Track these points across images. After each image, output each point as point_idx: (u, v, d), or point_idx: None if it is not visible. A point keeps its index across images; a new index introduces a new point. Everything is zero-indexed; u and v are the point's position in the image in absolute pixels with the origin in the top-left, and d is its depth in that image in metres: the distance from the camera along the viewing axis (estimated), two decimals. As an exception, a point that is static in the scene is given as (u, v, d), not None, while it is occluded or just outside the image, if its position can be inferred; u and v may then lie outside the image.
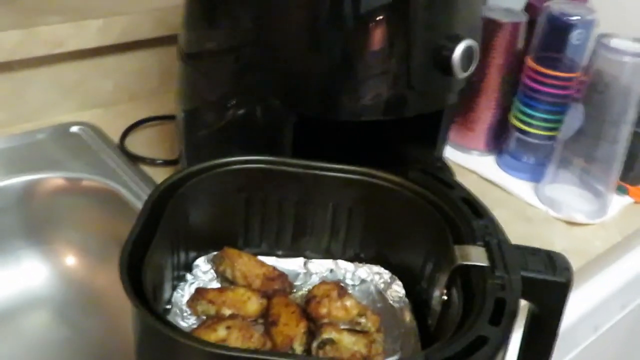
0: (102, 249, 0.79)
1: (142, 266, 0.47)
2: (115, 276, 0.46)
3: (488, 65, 0.88)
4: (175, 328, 0.44)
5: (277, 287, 0.62)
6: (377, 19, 0.61)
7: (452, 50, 0.59)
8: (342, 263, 0.66)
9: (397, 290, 0.64)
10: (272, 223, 0.64)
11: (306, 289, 0.63)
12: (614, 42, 0.78)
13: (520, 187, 0.89)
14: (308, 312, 0.59)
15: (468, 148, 0.95)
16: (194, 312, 0.59)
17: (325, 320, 0.59)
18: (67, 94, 0.91)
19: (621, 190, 0.87)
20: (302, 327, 0.57)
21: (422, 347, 0.57)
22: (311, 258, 0.66)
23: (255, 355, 0.44)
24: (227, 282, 0.63)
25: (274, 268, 0.63)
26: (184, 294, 0.60)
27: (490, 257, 0.51)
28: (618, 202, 0.86)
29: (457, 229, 0.56)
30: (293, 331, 0.57)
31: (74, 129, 0.88)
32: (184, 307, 0.59)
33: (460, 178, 0.82)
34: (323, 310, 0.59)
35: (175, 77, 0.76)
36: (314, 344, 0.56)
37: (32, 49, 0.83)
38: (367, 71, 0.62)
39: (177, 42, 0.73)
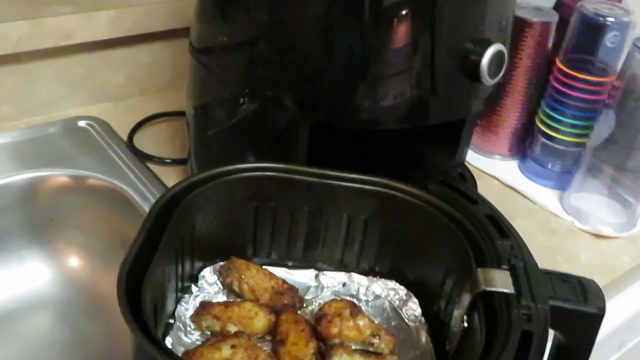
0: (107, 251, 0.76)
1: (143, 282, 0.44)
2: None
3: (515, 67, 0.84)
4: (171, 355, 0.41)
5: (286, 302, 0.59)
6: (400, 16, 0.56)
7: (480, 55, 0.55)
8: (355, 276, 0.63)
9: (413, 308, 0.60)
10: (283, 233, 0.61)
11: (317, 304, 0.60)
12: (652, 46, 0.73)
13: (544, 195, 0.85)
14: (318, 331, 0.56)
15: (490, 152, 0.91)
16: (198, 327, 0.56)
17: (336, 341, 0.56)
18: (76, 88, 0.88)
19: (652, 202, 0.83)
20: (311, 347, 0.54)
21: (438, 372, 0.54)
22: (323, 270, 0.63)
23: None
24: (234, 294, 0.60)
25: (284, 281, 0.60)
26: (188, 307, 0.57)
27: (516, 283, 0.48)
28: (648, 215, 0.82)
29: (479, 249, 0.52)
30: (302, 352, 0.54)
31: (82, 123, 0.85)
32: (188, 322, 0.56)
33: (481, 184, 0.79)
34: (334, 330, 0.55)
35: (186, 72, 0.72)
36: (324, 367, 0.53)
37: (40, 40, 0.80)
38: (387, 74, 0.58)
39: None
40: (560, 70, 0.81)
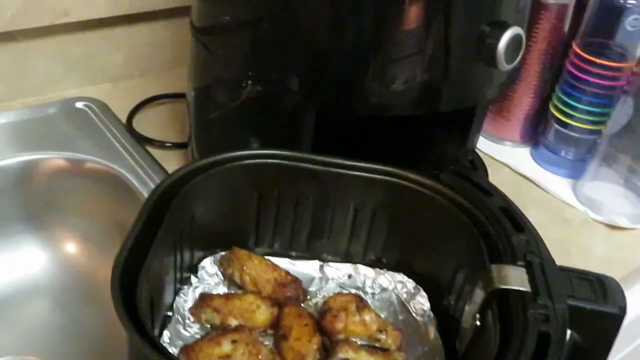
0: (104, 237, 0.74)
1: (138, 279, 0.42)
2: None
3: (529, 50, 0.80)
4: (168, 356, 0.39)
5: (289, 294, 0.57)
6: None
7: (497, 39, 0.52)
8: (361, 268, 0.61)
9: (422, 302, 0.58)
10: (287, 223, 0.59)
11: (321, 297, 0.58)
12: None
13: (557, 184, 0.82)
14: (322, 325, 0.54)
15: (501, 138, 0.88)
16: (198, 320, 0.54)
17: (341, 336, 0.53)
18: (73, 68, 0.85)
19: (669, 193, 0.80)
20: (315, 342, 0.52)
21: (447, 371, 0.52)
22: (328, 261, 0.61)
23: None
24: (235, 286, 0.57)
25: (287, 272, 0.58)
26: (187, 299, 0.55)
27: (532, 281, 0.45)
28: (665, 206, 0.79)
29: (494, 243, 0.49)
30: (305, 347, 0.52)
31: (79, 105, 0.82)
32: (187, 314, 0.54)
33: (492, 171, 0.76)
34: (339, 325, 0.53)
35: (188, 52, 0.69)
36: (328, 365, 0.51)
37: (35, 18, 0.77)
38: (398, 57, 0.55)
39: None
40: (576, 55, 0.77)
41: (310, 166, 0.55)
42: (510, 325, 0.44)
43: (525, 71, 0.82)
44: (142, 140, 0.78)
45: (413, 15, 0.54)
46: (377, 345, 0.54)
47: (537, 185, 0.82)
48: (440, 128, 0.68)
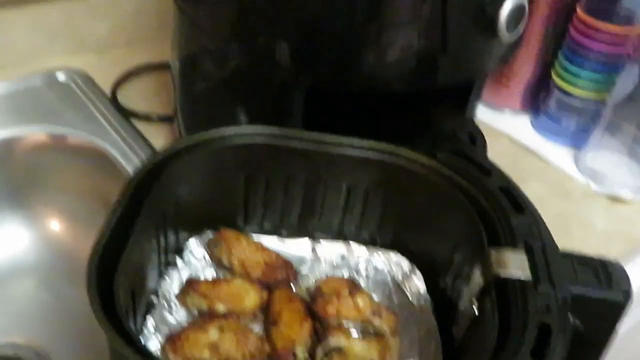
0: (89, 214, 0.72)
1: (115, 274, 0.39)
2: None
3: (531, 14, 0.76)
4: (149, 357, 0.37)
5: (279, 278, 0.54)
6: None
7: (498, 7, 0.49)
8: (355, 247, 0.58)
9: (417, 284, 0.55)
10: (277, 203, 0.56)
11: (313, 280, 0.56)
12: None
13: (558, 154, 0.79)
14: (314, 310, 0.52)
15: (500, 106, 0.85)
16: (184, 306, 0.51)
17: (334, 321, 0.51)
18: (55, 38, 0.81)
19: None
20: (306, 328, 0.50)
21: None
22: (320, 239, 0.58)
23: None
24: (224, 268, 0.55)
25: (277, 255, 0.56)
26: (173, 283, 0.53)
27: (533, 267, 0.43)
28: (670, 177, 0.77)
29: (492, 226, 0.47)
30: (296, 333, 0.50)
31: (61, 77, 0.79)
32: (173, 299, 0.52)
33: (490, 141, 0.73)
34: (331, 310, 0.51)
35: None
36: (320, 353, 0.49)
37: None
38: (393, 26, 0.52)
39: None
40: (580, 19, 0.74)
41: (301, 145, 0.52)
42: (508, 314, 0.41)
43: (527, 36, 0.78)
44: (126, 114, 0.75)
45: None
46: (371, 330, 0.52)
47: (537, 155, 0.79)
48: (438, 99, 0.65)
